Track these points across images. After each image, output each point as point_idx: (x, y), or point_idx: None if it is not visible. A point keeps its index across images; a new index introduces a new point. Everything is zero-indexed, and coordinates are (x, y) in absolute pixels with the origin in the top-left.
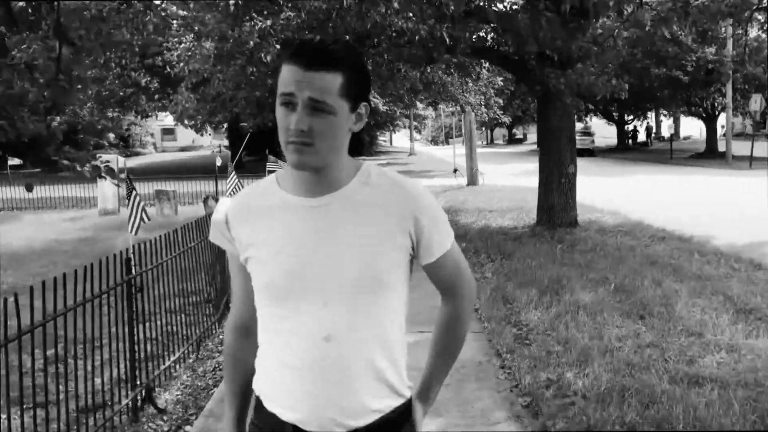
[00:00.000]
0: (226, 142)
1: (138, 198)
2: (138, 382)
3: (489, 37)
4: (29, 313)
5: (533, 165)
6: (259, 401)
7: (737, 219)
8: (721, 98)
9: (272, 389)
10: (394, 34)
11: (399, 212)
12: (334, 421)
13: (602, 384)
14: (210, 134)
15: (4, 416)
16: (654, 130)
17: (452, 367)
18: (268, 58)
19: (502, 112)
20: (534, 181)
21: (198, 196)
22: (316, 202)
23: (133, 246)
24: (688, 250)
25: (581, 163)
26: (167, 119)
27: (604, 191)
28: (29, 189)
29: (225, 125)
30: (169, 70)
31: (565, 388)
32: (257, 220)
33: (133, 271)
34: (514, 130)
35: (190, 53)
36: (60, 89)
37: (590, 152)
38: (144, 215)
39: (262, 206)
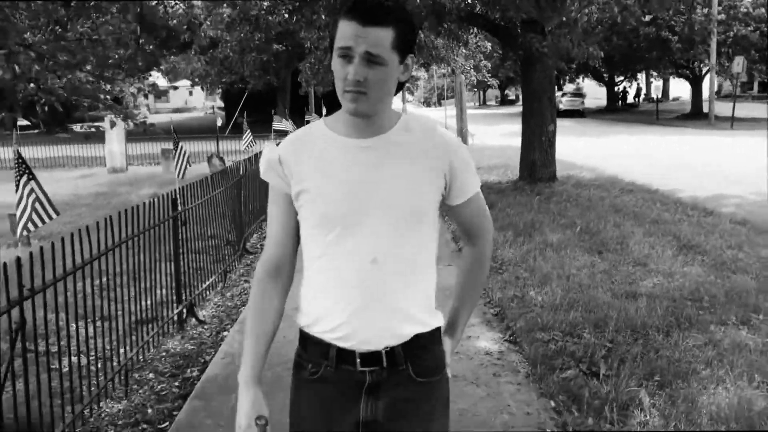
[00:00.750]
0: (219, 104)
1: (182, 148)
2: (183, 299)
3: (478, 4)
4: (89, 248)
5: (511, 126)
6: (303, 335)
7: (706, 175)
8: (706, 60)
9: (318, 313)
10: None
11: (436, 156)
12: (373, 338)
13: (557, 298)
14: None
15: (73, 326)
16: (644, 92)
17: (476, 305)
18: (278, 20)
19: (490, 75)
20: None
21: (199, 156)
22: (366, 143)
23: (174, 190)
24: (652, 200)
25: (571, 123)
26: (159, 80)
27: (587, 150)
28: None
29: (219, 87)
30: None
31: (527, 302)
32: (311, 157)
33: (179, 208)
34: (506, 91)
35: (205, 19)
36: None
37: (580, 113)
38: (188, 162)
39: (315, 146)
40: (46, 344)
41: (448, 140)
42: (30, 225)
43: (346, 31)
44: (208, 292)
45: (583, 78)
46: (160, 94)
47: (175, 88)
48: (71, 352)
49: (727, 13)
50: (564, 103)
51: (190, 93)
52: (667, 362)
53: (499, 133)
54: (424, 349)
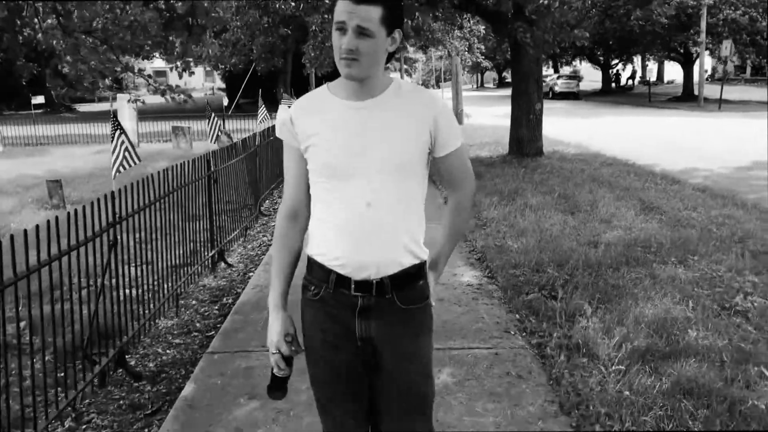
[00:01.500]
0: (219, 84)
1: (215, 118)
2: (216, 245)
3: None
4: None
5: (507, 108)
6: (310, 261)
7: (684, 151)
8: (698, 42)
9: (323, 246)
10: None
11: (422, 115)
12: (368, 268)
13: (530, 245)
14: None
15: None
16: (639, 75)
17: (457, 242)
18: (283, 5)
19: (484, 57)
20: None
21: (205, 134)
22: (362, 104)
23: (207, 153)
24: (627, 172)
25: (565, 105)
26: (157, 62)
27: (577, 129)
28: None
29: (221, 68)
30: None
31: (505, 248)
32: (316, 117)
33: (212, 168)
34: (504, 74)
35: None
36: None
37: (575, 95)
38: (220, 130)
39: (319, 108)
40: (112, 275)
41: (435, 101)
42: (121, 167)
43: (341, 7)
44: (232, 244)
45: (580, 61)
46: (188, 72)
47: (192, 73)
48: (132, 284)
49: None
50: (559, 85)
51: (190, 74)
52: (612, 288)
53: (493, 114)
54: (408, 283)
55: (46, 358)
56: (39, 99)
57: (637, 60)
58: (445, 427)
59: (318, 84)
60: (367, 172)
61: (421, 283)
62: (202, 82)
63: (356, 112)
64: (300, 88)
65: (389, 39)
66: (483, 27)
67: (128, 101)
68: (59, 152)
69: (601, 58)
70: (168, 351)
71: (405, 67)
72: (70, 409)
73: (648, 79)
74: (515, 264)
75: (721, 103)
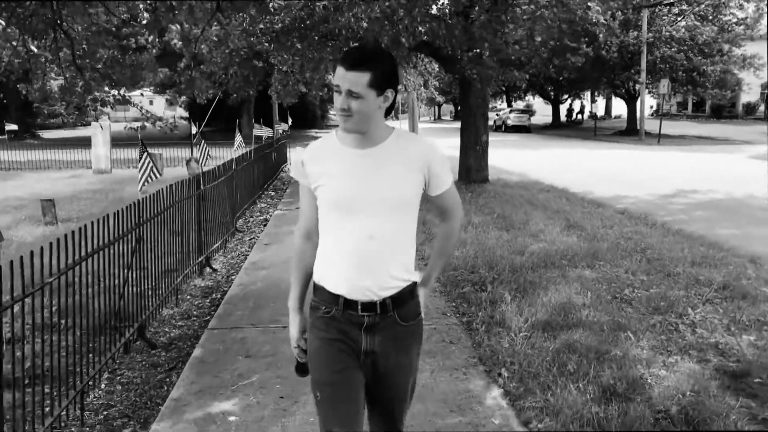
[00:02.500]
0: (181, 113)
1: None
2: (203, 251)
3: (425, 36)
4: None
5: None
6: (317, 285)
7: (618, 181)
8: (639, 80)
9: (329, 272)
10: (349, 35)
11: (417, 160)
12: (369, 292)
13: (469, 253)
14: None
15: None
16: (589, 109)
17: (445, 261)
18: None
19: (439, 92)
20: None
21: (173, 160)
22: (365, 152)
23: (195, 176)
24: (560, 197)
25: (516, 138)
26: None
27: (525, 160)
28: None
29: (181, 98)
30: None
31: (471, 265)
32: (326, 161)
33: (201, 187)
34: (459, 107)
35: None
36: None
37: (526, 129)
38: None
39: (329, 154)
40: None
41: (430, 148)
42: (149, 179)
43: (338, 72)
44: (214, 254)
45: (532, 96)
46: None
47: (172, 103)
48: (144, 277)
49: (655, 36)
50: (512, 118)
51: (151, 102)
52: (529, 283)
53: (448, 145)
54: (405, 302)
55: (84, 331)
56: (12, 126)
57: (586, 96)
58: None
59: (283, 113)
60: (369, 209)
61: (415, 301)
62: (163, 111)
63: (360, 159)
64: (262, 116)
65: (381, 98)
66: (436, 65)
67: (101, 128)
68: (34, 176)
69: (552, 93)
70: (174, 330)
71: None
72: (106, 367)
73: (595, 113)
74: (455, 267)
75: (660, 138)
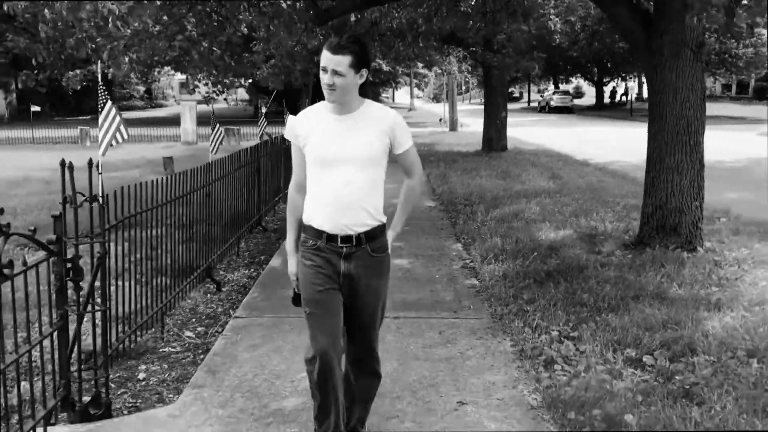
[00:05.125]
0: (241, 96)
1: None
2: (260, 210)
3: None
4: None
5: (508, 119)
6: (306, 225)
7: (623, 151)
8: None
9: (315, 214)
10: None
11: (383, 125)
12: (347, 228)
13: (472, 191)
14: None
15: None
16: (635, 91)
17: (409, 212)
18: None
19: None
20: None
21: (245, 136)
22: (343, 117)
23: (256, 145)
24: (560, 159)
25: (555, 118)
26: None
27: (549, 136)
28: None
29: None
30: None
31: (455, 192)
32: (312, 125)
33: (258, 156)
34: (511, 89)
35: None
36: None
37: (569, 109)
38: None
39: (314, 120)
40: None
41: (392, 116)
42: (219, 145)
43: (324, 55)
44: (266, 215)
45: (582, 78)
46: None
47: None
48: (200, 237)
49: None
50: (555, 100)
51: (214, 111)
52: (501, 204)
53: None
54: (375, 237)
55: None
56: (36, 108)
57: (630, 78)
58: (410, 244)
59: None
60: (346, 162)
61: (384, 239)
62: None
63: (339, 123)
64: (321, 98)
65: (357, 75)
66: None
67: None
68: (136, 147)
69: (596, 76)
70: (234, 278)
71: (415, 81)
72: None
73: (632, 95)
74: (455, 197)
75: None
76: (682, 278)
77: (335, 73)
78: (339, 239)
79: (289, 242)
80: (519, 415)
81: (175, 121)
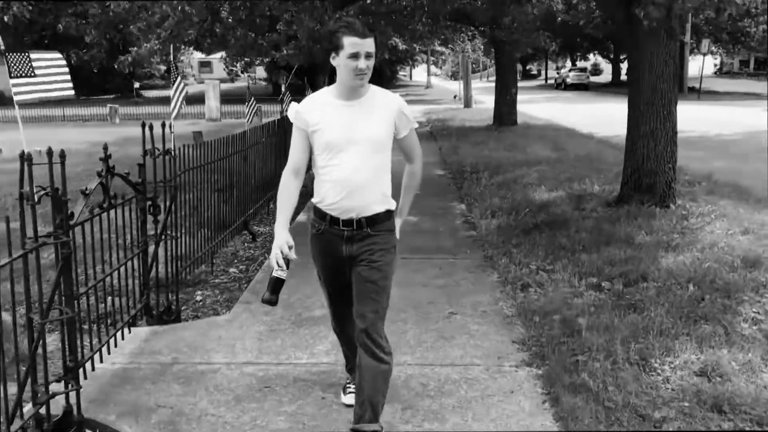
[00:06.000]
0: (260, 74)
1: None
2: None
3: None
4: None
5: (521, 96)
6: (315, 207)
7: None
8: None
9: (323, 196)
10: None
11: (388, 110)
12: (354, 212)
13: (478, 161)
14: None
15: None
16: None
17: (413, 196)
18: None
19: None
20: None
21: (267, 113)
22: (351, 103)
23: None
24: (566, 134)
25: (571, 95)
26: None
27: (561, 111)
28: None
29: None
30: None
31: (463, 162)
32: (320, 110)
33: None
34: (528, 66)
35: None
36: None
37: (585, 86)
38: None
39: (322, 103)
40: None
41: (397, 101)
42: (253, 118)
43: (353, 41)
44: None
45: (594, 55)
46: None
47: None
48: (238, 195)
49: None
50: (571, 77)
51: (249, 86)
52: (503, 171)
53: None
54: (378, 220)
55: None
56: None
57: None
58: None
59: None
60: (354, 147)
61: (389, 222)
62: (243, 73)
63: (348, 108)
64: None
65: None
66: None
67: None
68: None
69: (612, 53)
70: (266, 231)
71: (432, 59)
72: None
73: None
74: (463, 165)
75: (700, 94)
76: (650, 228)
77: (368, 56)
78: (341, 222)
79: (279, 221)
80: (497, 321)
81: (196, 99)
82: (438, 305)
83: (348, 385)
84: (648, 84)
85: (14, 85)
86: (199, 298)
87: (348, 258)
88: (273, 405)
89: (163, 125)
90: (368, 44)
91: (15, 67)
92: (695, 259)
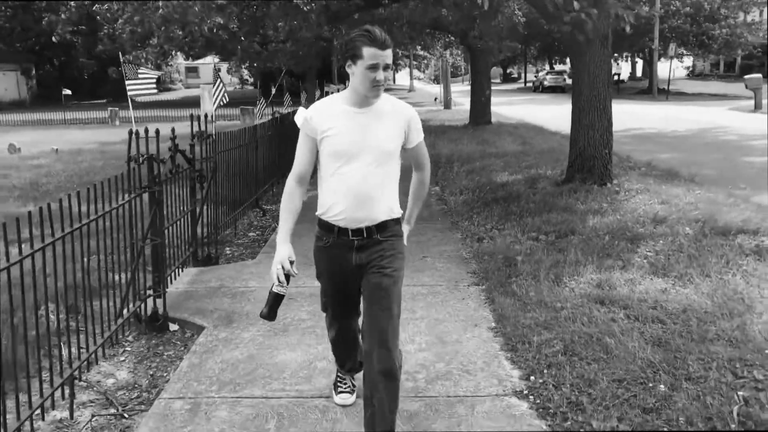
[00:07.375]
0: (246, 78)
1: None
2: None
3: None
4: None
5: (499, 99)
6: (319, 220)
7: None
8: (654, 46)
9: (330, 207)
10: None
11: (399, 119)
12: (361, 221)
13: (453, 153)
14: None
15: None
16: (629, 71)
17: (421, 204)
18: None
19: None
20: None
21: (259, 116)
22: (362, 110)
23: (286, 113)
24: (534, 131)
25: (546, 97)
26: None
27: (533, 112)
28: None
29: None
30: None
31: (440, 155)
32: (332, 118)
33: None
34: (509, 69)
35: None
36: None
37: (561, 89)
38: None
39: (334, 113)
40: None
41: (408, 111)
42: (221, 101)
43: (373, 53)
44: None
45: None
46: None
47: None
48: (218, 197)
49: (665, 10)
50: (548, 80)
51: (219, 69)
52: (472, 161)
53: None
54: (387, 227)
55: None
56: (67, 91)
57: (624, 59)
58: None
59: (340, 76)
60: (363, 156)
61: (396, 228)
62: (229, 77)
63: (357, 116)
64: (326, 78)
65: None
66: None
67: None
68: (161, 125)
69: None
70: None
71: (415, 63)
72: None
73: (618, 75)
74: (440, 158)
75: (668, 95)
76: (586, 200)
77: (386, 67)
78: (350, 232)
79: (281, 233)
80: (457, 261)
81: (186, 103)
82: (414, 253)
83: (339, 384)
84: (587, 84)
85: (128, 86)
86: (228, 251)
87: (357, 267)
88: (296, 306)
89: (205, 117)
90: (387, 55)
91: (130, 73)
92: (616, 220)
